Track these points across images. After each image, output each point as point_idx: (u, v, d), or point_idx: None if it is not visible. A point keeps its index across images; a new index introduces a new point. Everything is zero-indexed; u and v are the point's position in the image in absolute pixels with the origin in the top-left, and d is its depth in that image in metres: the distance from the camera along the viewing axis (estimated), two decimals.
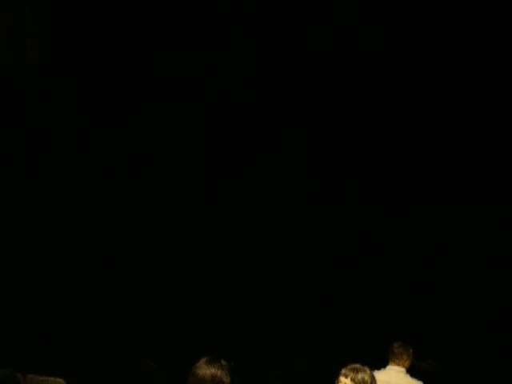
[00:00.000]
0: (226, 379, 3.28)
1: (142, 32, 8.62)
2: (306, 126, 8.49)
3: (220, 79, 8.51)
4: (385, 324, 8.03)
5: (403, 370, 6.21)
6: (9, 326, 8.18)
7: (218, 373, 3.29)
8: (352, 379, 4.05)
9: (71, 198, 8.81)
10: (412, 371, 6.40)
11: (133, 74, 8.66)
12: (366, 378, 4.07)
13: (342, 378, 4.09)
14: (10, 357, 6.72)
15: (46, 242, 8.65)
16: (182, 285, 8.56)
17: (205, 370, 3.30)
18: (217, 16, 8.48)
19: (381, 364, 6.33)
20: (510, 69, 7.90)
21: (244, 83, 8.50)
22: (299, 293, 8.52)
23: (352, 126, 8.46)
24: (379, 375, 6.21)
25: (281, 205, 8.64)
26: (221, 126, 8.63)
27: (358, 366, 4.15)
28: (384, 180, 8.41)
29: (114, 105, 8.74)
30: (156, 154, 8.80)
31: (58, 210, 8.77)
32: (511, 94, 8.00)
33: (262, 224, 8.65)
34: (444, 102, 8.23)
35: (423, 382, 6.26)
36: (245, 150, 8.62)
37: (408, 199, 8.39)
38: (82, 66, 8.71)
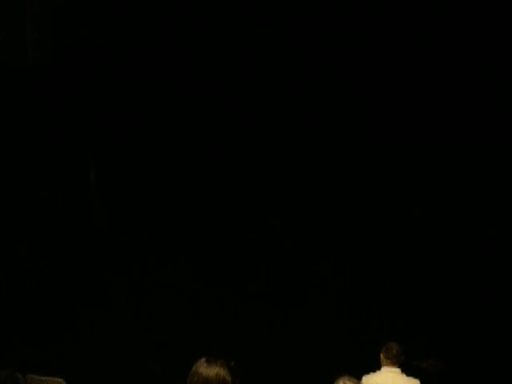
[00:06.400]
0: (229, 378, 3.30)
1: (142, 32, 8.63)
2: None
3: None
4: (384, 324, 8.04)
5: (398, 370, 6.21)
6: (9, 325, 8.19)
7: (222, 372, 3.30)
8: None
9: (68, 197, 8.83)
10: (412, 371, 6.41)
11: (132, 73, 8.68)
12: None
13: None
14: (10, 357, 6.72)
15: (46, 242, 8.66)
16: (183, 285, 8.57)
17: (208, 370, 3.31)
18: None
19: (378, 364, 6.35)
20: None
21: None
22: (298, 293, 8.53)
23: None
24: (376, 378, 6.23)
25: (281, 204, 8.65)
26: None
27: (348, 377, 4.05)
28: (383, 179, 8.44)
29: (113, 105, 8.75)
30: (154, 152, 8.83)
31: (55, 209, 8.79)
32: None
33: (263, 225, 8.67)
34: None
35: (423, 381, 6.27)
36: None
37: (404, 200, 8.41)
38: (81, 67, 8.72)
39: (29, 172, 8.73)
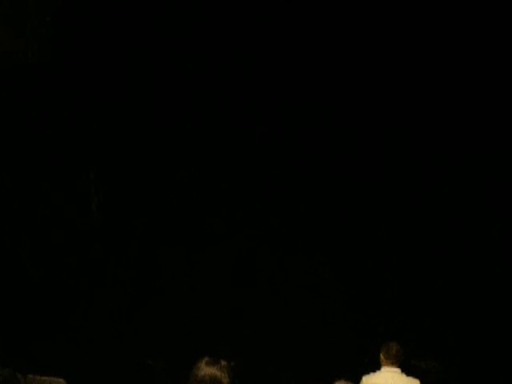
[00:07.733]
0: (225, 380, 3.29)
1: (141, 31, 8.64)
2: None
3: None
4: (384, 324, 8.04)
5: (398, 370, 6.20)
6: (9, 325, 8.20)
7: (218, 374, 3.29)
8: None
9: (71, 195, 8.85)
10: (412, 371, 6.41)
11: (133, 73, 8.68)
12: None
13: None
14: (10, 357, 6.72)
15: (46, 241, 8.67)
16: (183, 284, 8.58)
17: (204, 370, 3.31)
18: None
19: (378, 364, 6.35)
20: None
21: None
22: (298, 293, 8.53)
23: None
24: (375, 378, 6.22)
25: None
26: None
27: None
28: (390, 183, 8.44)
29: (113, 104, 8.76)
30: (154, 151, 8.84)
31: (54, 209, 8.80)
32: None
33: (263, 225, 8.67)
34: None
35: (423, 381, 6.27)
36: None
37: (404, 202, 8.40)
38: (81, 65, 8.73)
39: (28, 171, 8.74)
